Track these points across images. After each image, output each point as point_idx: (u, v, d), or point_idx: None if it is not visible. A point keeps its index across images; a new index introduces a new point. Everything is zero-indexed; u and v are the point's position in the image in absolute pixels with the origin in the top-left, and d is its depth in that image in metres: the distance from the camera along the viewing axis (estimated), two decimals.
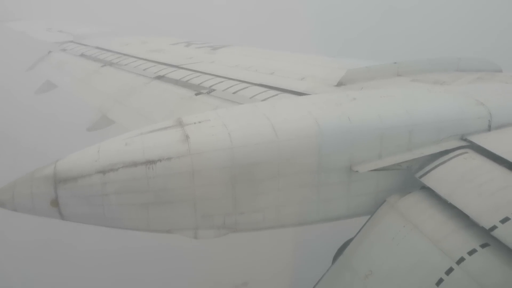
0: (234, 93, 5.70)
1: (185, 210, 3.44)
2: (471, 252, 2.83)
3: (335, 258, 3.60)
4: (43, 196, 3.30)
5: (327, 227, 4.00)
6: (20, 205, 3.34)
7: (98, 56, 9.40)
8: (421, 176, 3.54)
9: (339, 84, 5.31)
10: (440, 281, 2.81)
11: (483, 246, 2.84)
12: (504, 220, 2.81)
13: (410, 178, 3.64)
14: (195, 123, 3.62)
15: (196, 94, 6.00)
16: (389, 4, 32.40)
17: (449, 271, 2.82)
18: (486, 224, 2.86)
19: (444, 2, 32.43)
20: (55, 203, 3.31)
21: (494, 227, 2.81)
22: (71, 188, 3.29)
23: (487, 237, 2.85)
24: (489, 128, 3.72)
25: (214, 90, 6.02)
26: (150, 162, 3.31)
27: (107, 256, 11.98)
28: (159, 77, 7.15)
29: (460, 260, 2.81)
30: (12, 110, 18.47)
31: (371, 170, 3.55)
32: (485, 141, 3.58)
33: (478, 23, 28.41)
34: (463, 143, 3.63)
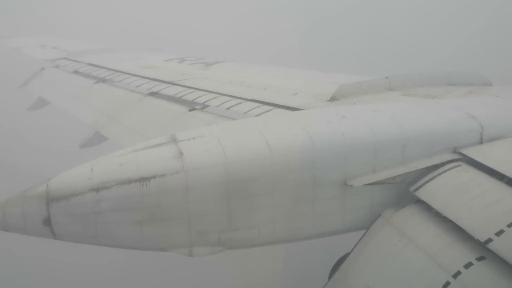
0: (227, 108, 5.72)
1: (180, 227, 3.41)
2: (467, 266, 2.82)
3: (331, 274, 3.58)
4: (35, 215, 3.25)
5: (323, 243, 3.98)
6: (12, 225, 3.29)
7: (91, 73, 9.40)
8: (415, 190, 3.55)
9: (332, 99, 5.35)
10: None
11: (479, 259, 2.83)
12: (499, 233, 2.82)
13: (405, 192, 3.65)
14: (189, 139, 3.61)
15: (190, 110, 6.01)
16: (380, 19, 32.97)
17: (446, 285, 2.81)
18: (481, 237, 2.87)
19: (435, 16, 33.03)
20: (47, 222, 3.26)
21: (489, 240, 2.82)
22: (64, 207, 3.25)
23: (482, 250, 2.86)
24: (481, 141, 3.75)
25: (207, 106, 6.03)
26: (144, 179, 3.28)
27: (99, 271, 11.81)
28: (153, 94, 7.16)
29: (457, 274, 2.81)
30: (4, 127, 18.35)
31: (366, 184, 3.55)
32: (478, 153, 3.61)
33: (468, 38, 28.92)
34: (455, 156, 3.66)
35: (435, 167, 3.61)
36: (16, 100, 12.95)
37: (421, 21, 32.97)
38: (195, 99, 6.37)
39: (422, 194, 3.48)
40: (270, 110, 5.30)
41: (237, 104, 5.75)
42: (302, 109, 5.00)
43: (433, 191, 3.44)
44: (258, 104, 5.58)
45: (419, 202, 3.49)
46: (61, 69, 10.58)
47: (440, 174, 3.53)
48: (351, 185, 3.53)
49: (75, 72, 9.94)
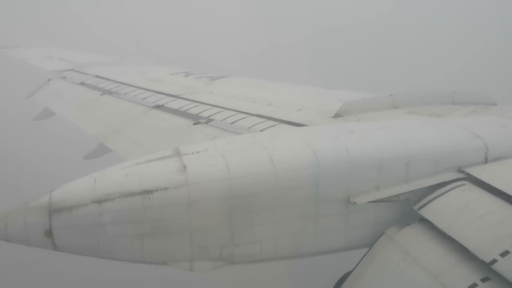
0: (232, 123, 5.74)
1: (181, 241, 3.39)
2: (471, 287, 2.78)
3: None
4: (37, 226, 3.25)
5: (325, 260, 3.94)
6: (13, 235, 3.28)
7: (97, 85, 9.46)
8: (419, 208, 3.52)
9: (336, 115, 5.36)
10: None
11: (483, 280, 2.80)
12: (504, 254, 2.79)
13: (409, 210, 3.62)
14: (192, 153, 3.62)
15: (195, 124, 6.03)
16: (386, 37, 33.24)
17: None
18: (486, 257, 2.83)
19: (440, 35, 33.21)
20: (49, 233, 3.25)
21: (494, 261, 2.78)
22: (66, 218, 3.25)
23: (487, 270, 2.82)
24: (486, 161, 3.74)
25: (212, 120, 6.05)
26: (147, 192, 3.28)
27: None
28: (158, 107, 7.19)
29: None
30: (10, 137, 18.47)
31: (369, 202, 3.53)
32: (482, 173, 3.59)
33: (473, 57, 29.02)
34: (460, 175, 3.65)
35: (440, 185, 3.59)
36: (22, 110, 13.04)
37: (428, 38, 33.16)
38: (199, 113, 6.40)
39: (426, 212, 3.45)
40: (274, 126, 5.31)
41: (241, 119, 5.77)
42: (306, 125, 5.01)
43: (437, 210, 3.41)
44: (262, 119, 5.59)
45: (423, 220, 3.46)
46: (67, 80, 10.66)
47: (444, 193, 3.51)
48: (355, 202, 3.51)
49: (82, 83, 10.02)
